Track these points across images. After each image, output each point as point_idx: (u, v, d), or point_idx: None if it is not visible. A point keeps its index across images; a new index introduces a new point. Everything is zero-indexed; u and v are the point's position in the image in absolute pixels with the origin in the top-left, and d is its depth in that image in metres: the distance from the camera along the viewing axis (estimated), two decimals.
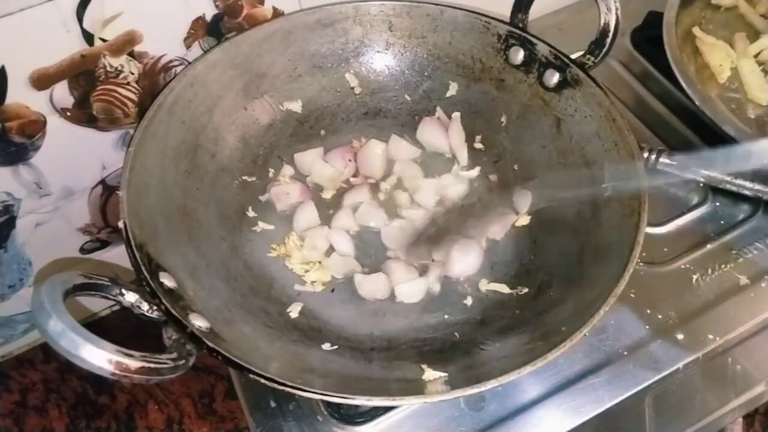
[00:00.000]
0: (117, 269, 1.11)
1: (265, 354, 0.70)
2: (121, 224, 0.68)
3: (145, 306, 0.64)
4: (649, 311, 0.82)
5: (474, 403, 0.77)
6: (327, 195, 0.90)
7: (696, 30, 1.01)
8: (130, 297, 0.64)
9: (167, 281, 0.67)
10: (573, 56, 0.85)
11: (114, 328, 1.15)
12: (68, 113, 0.87)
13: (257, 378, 0.60)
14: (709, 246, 0.87)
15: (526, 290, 0.80)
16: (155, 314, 0.64)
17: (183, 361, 0.60)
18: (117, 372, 0.54)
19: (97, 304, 1.16)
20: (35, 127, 0.86)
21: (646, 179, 0.74)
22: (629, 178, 0.74)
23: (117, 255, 1.10)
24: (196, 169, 0.83)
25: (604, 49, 0.85)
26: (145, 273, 0.65)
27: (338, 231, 0.86)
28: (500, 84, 0.91)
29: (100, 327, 1.14)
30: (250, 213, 0.87)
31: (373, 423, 0.76)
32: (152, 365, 0.56)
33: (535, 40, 0.86)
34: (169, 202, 0.78)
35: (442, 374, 0.69)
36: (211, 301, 0.72)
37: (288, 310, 0.78)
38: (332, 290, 0.82)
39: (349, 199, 0.88)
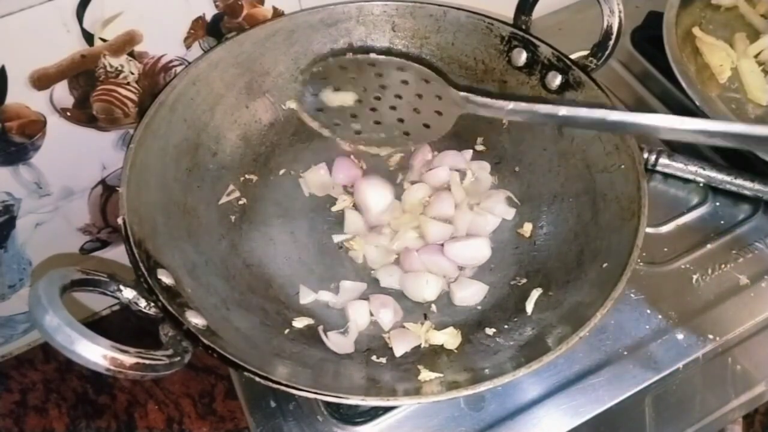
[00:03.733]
0: (116, 268, 1.11)
1: (262, 352, 0.70)
2: (120, 220, 0.68)
3: (142, 302, 0.64)
4: (649, 311, 0.82)
5: (474, 403, 0.77)
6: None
7: (696, 30, 1.00)
8: (128, 293, 0.64)
9: (165, 278, 0.67)
10: (574, 56, 0.85)
11: (114, 327, 1.16)
12: (68, 113, 0.87)
13: (253, 376, 0.60)
14: (709, 246, 0.87)
15: (524, 280, 0.81)
16: (152, 311, 0.64)
17: (178, 358, 0.60)
18: (111, 367, 0.54)
19: (98, 304, 1.16)
20: (35, 127, 0.86)
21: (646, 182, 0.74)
22: None
23: (117, 255, 1.11)
24: (197, 167, 0.83)
25: (607, 52, 0.84)
26: (143, 270, 0.65)
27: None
28: (503, 85, 0.91)
29: (100, 326, 1.14)
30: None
31: (373, 423, 0.76)
32: (147, 361, 0.56)
33: (538, 42, 0.86)
34: (169, 199, 0.78)
35: (438, 375, 0.69)
36: (209, 299, 0.72)
37: (293, 322, 0.78)
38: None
39: None
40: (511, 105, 0.72)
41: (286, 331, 0.76)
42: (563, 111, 0.69)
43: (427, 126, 0.79)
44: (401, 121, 0.79)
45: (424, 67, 0.79)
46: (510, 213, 0.87)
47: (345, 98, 0.80)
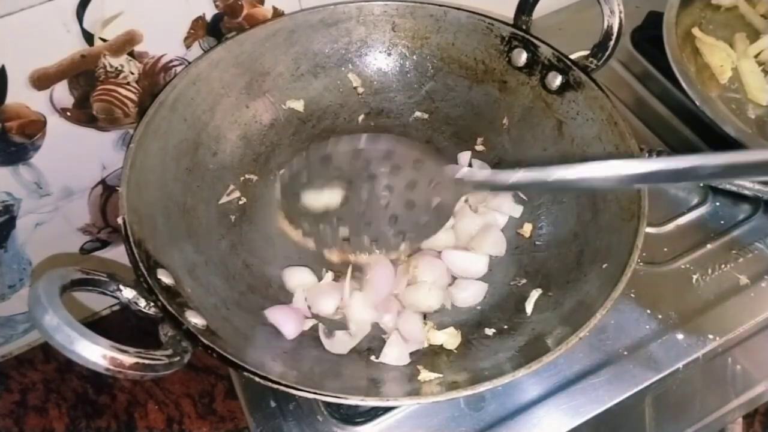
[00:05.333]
0: (116, 268, 1.11)
1: (262, 352, 0.70)
2: (120, 220, 0.68)
3: (142, 302, 0.64)
4: (649, 311, 0.82)
5: (474, 403, 0.77)
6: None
7: (696, 31, 1.00)
8: (128, 293, 0.64)
9: (165, 278, 0.67)
10: (574, 56, 0.85)
11: (114, 327, 1.16)
12: (68, 113, 0.87)
13: (252, 376, 0.60)
14: (709, 246, 0.87)
15: (524, 281, 0.81)
16: (152, 311, 0.64)
17: (178, 358, 0.60)
18: (111, 367, 0.54)
19: (98, 304, 1.16)
20: (35, 127, 0.86)
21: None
22: None
23: (117, 255, 1.11)
24: (196, 167, 0.83)
25: (607, 53, 0.84)
26: (143, 269, 0.65)
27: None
28: (503, 86, 0.91)
29: (100, 326, 1.14)
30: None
31: (373, 423, 0.76)
32: (146, 361, 0.56)
33: (538, 43, 0.86)
34: (169, 199, 0.78)
35: (438, 375, 0.69)
36: (209, 299, 0.72)
37: None
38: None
39: None
40: (517, 175, 0.65)
41: None
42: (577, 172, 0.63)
43: (424, 221, 0.74)
44: (394, 218, 0.74)
45: (414, 142, 0.78)
46: (517, 210, 0.87)
47: (330, 198, 0.75)
